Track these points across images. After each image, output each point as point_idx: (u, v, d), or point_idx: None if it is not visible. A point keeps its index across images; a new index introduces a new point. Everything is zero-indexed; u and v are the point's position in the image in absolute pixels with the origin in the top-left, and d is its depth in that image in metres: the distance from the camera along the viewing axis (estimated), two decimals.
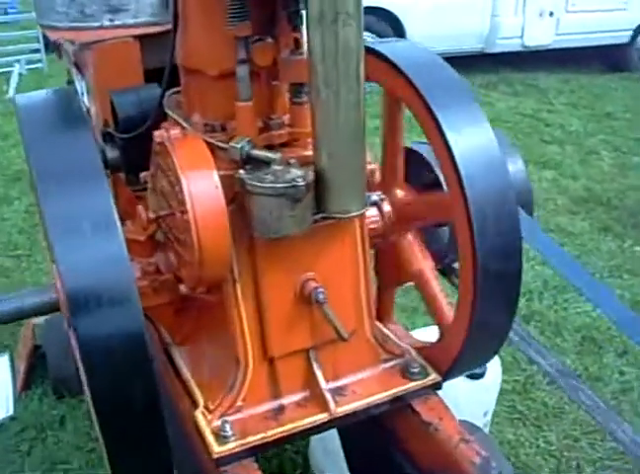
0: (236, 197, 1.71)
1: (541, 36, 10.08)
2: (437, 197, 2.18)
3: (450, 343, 2.05)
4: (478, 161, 1.84)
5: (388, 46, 1.98)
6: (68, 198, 1.57)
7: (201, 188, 1.60)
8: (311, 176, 1.62)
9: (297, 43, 1.73)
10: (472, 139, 1.85)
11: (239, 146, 1.65)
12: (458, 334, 1.99)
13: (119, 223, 1.56)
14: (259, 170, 1.64)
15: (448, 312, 2.00)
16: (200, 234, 1.60)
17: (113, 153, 2.22)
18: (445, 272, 2.41)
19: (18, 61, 10.04)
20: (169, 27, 1.82)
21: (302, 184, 1.56)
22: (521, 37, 9.99)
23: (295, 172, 1.61)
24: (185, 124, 1.83)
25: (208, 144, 1.72)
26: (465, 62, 8.23)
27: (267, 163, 1.64)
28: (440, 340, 2.15)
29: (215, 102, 1.81)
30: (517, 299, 1.97)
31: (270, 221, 1.61)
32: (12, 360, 3.77)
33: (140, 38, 2.38)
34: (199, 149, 1.67)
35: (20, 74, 10.01)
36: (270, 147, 1.79)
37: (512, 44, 10.04)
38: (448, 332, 2.07)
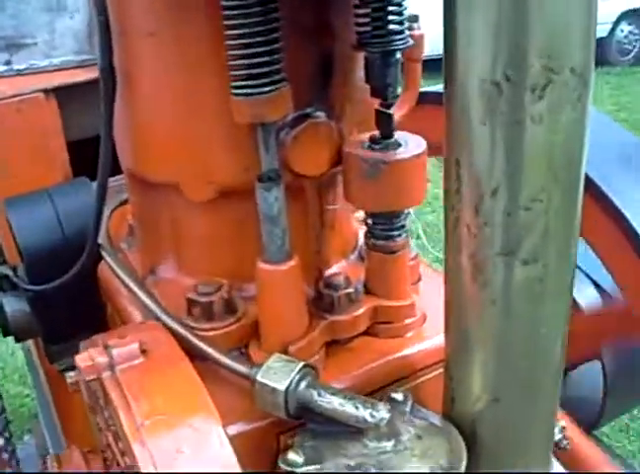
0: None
1: None
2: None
3: None
4: None
5: None
6: None
7: None
8: (462, 459, 0.66)
9: (387, 125, 0.78)
10: None
11: (282, 389, 0.69)
12: None
13: None
14: (332, 442, 0.68)
15: None
16: None
17: (15, 306, 1.23)
18: None
19: None
20: None
21: None
22: None
23: (429, 455, 0.65)
24: (142, 296, 0.86)
25: (197, 357, 0.77)
26: None
27: (355, 429, 0.68)
28: None
29: (211, 248, 0.86)
30: None
31: None
32: None
33: (58, 91, 1.39)
34: (182, 391, 0.71)
35: None
36: (332, 343, 0.84)
37: None
38: None
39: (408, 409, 0.74)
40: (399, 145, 0.78)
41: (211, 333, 0.83)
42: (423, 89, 1.15)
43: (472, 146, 0.59)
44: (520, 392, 0.71)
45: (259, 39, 0.65)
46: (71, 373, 0.94)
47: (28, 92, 1.36)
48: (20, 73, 1.45)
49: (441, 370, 0.79)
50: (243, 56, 0.66)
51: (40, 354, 1.40)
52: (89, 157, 1.24)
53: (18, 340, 1.28)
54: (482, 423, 0.72)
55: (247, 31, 0.65)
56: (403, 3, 0.73)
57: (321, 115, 0.78)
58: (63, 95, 1.39)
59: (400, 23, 0.73)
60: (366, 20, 0.73)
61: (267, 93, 0.67)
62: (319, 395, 0.69)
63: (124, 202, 1.08)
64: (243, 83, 0.67)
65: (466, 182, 0.61)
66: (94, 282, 1.10)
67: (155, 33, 0.74)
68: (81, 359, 0.75)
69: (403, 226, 0.84)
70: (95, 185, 0.93)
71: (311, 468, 0.67)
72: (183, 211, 0.86)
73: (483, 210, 0.61)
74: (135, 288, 0.88)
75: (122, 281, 0.91)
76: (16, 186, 1.30)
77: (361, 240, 0.94)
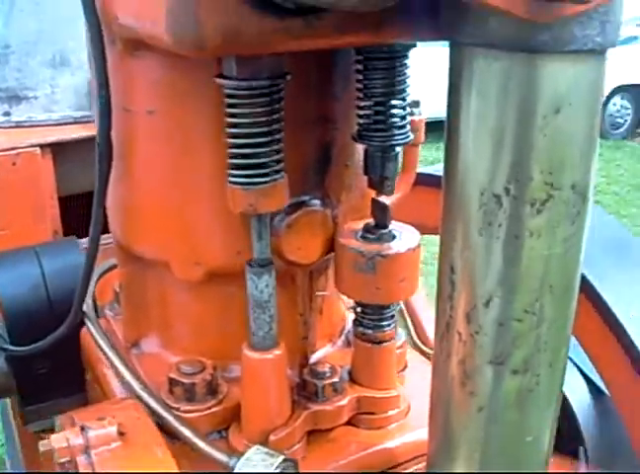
0: None
1: None
2: None
3: None
4: None
5: None
6: None
7: None
8: None
9: (383, 216, 0.78)
10: None
11: None
12: None
13: None
14: None
15: None
16: None
17: None
18: None
19: None
20: None
21: None
22: None
23: None
24: (124, 373, 0.84)
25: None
26: None
27: None
28: None
29: (197, 327, 0.84)
30: None
31: None
32: None
33: (54, 146, 1.39)
34: None
35: None
36: (313, 431, 0.82)
37: None
38: None
39: None
40: (393, 237, 0.77)
41: (192, 414, 0.81)
42: (419, 170, 1.16)
43: (468, 255, 0.59)
44: None
45: (261, 129, 0.65)
46: (44, 441, 0.91)
47: (24, 146, 1.36)
48: (18, 125, 1.45)
49: (424, 463, 0.77)
50: (243, 146, 0.66)
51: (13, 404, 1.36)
52: (80, 213, 1.24)
53: None
54: None
55: (249, 120, 0.65)
56: (406, 97, 0.74)
57: (316, 202, 0.78)
58: (58, 150, 1.39)
59: (403, 117, 0.74)
60: (369, 112, 0.74)
61: (263, 184, 0.67)
62: None
63: (113, 268, 1.07)
64: (240, 172, 0.67)
65: (460, 289, 0.61)
66: (75, 346, 1.08)
67: (154, 111, 0.74)
68: (57, 440, 0.73)
69: (392, 316, 0.83)
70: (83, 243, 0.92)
71: None
72: (171, 289, 0.85)
73: (475, 319, 0.60)
74: (118, 363, 0.86)
75: (105, 354, 0.90)
76: (4, 239, 1.29)
77: (349, 325, 0.93)
